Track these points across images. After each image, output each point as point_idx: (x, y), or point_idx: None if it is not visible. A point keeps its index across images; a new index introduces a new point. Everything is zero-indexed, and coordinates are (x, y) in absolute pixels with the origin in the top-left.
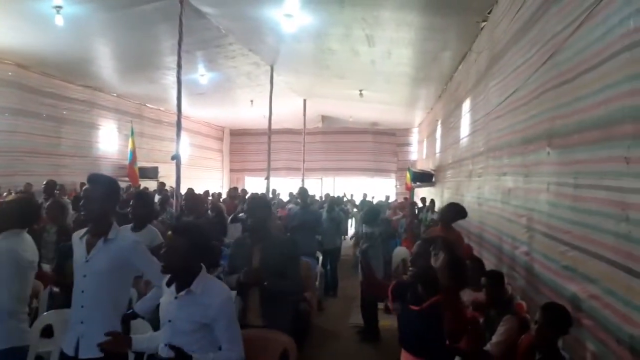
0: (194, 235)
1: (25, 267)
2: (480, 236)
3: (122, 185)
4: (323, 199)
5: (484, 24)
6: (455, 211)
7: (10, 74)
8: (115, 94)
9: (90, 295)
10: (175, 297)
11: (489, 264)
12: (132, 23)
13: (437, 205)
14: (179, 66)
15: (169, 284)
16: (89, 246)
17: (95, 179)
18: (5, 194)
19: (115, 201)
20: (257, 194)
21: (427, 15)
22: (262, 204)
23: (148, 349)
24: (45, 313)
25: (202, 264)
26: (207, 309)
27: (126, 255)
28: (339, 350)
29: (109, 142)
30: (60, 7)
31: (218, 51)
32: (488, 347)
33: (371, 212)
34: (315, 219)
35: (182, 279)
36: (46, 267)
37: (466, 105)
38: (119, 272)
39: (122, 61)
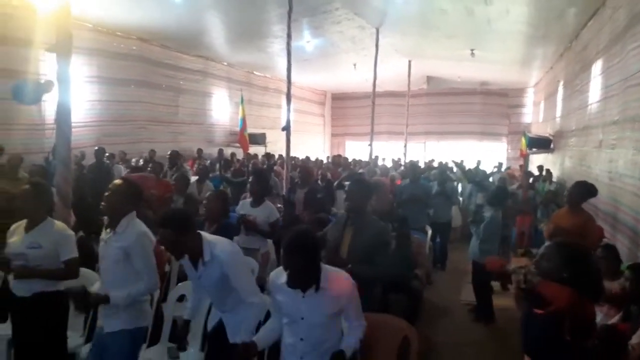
0: (310, 250)
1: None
2: (614, 216)
3: (233, 150)
4: (427, 164)
5: None
6: (585, 191)
7: (134, 48)
8: (225, 63)
9: (219, 302)
10: (303, 296)
11: (622, 246)
12: None
13: (555, 175)
14: (289, 36)
15: (292, 286)
16: (195, 263)
17: (167, 221)
18: (134, 160)
19: (193, 229)
20: (359, 176)
21: None
22: (362, 188)
23: (270, 344)
24: (180, 284)
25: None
26: (338, 300)
27: (225, 272)
28: (451, 328)
29: (221, 109)
30: None
31: (325, 17)
32: (629, 348)
33: (499, 194)
34: (426, 193)
35: (308, 280)
36: None
37: (596, 67)
38: (228, 281)
39: (233, 31)
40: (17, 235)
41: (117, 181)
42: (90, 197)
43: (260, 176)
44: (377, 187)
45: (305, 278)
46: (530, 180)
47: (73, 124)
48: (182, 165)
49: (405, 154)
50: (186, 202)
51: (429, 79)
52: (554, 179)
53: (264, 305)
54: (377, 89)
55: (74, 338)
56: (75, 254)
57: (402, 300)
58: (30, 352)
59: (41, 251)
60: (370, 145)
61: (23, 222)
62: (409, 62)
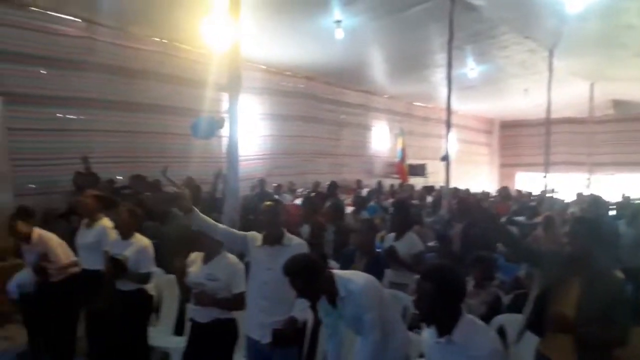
0: (441, 280)
1: None
2: None
3: (392, 181)
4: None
5: None
6: None
7: (301, 86)
8: (386, 96)
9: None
10: (437, 342)
11: None
12: (403, 26)
13: None
14: (449, 65)
15: (428, 324)
16: (332, 302)
17: (294, 271)
18: (299, 190)
19: (322, 271)
20: (583, 216)
21: None
22: (590, 229)
23: None
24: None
25: (460, 308)
26: None
27: (360, 305)
28: None
29: (381, 141)
30: (340, 21)
31: (491, 42)
32: None
33: None
34: (612, 232)
35: (440, 323)
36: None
37: None
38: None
39: (394, 63)
40: (195, 266)
41: (268, 202)
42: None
43: (401, 208)
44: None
45: (429, 312)
46: None
47: (247, 157)
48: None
49: (588, 187)
50: (337, 231)
51: (616, 103)
52: None
53: (378, 345)
54: (552, 115)
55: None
56: (244, 288)
57: None
58: None
59: (218, 283)
60: (545, 176)
61: (200, 254)
62: (591, 85)
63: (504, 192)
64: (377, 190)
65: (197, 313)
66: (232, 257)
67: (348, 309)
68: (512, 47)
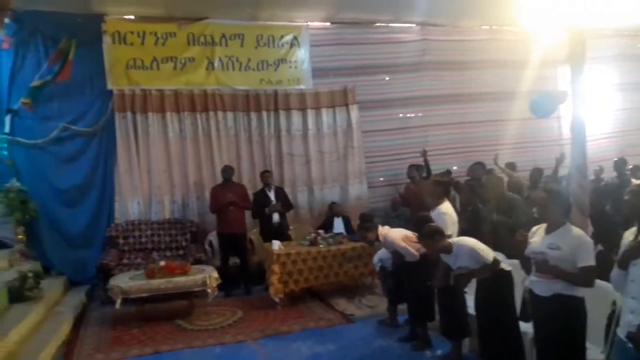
0: None
1: None
2: None
3: None
4: None
5: None
6: None
7: None
8: None
9: None
10: None
11: None
12: None
13: None
14: None
15: None
16: None
17: None
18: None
19: None
20: None
21: None
22: None
23: None
24: None
25: None
26: None
27: None
28: None
29: None
30: None
31: None
32: None
33: None
34: None
35: None
36: None
37: None
38: None
39: None
40: (537, 237)
41: (637, 181)
42: (609, 209)
43: None
44: None
45: None
46: None
47: (595, 136)
48: None
49: None
50: None
51: None
52: None
53: None
54: None
55: (593, 351)
56: (592, 262)
57: None
58: (550, 352)
59: (559, 252)
60: None
61: (543, 225)
62: None
63: None
64: None
65: (537, 285)
66: (578, 230)
67: None
68: None
